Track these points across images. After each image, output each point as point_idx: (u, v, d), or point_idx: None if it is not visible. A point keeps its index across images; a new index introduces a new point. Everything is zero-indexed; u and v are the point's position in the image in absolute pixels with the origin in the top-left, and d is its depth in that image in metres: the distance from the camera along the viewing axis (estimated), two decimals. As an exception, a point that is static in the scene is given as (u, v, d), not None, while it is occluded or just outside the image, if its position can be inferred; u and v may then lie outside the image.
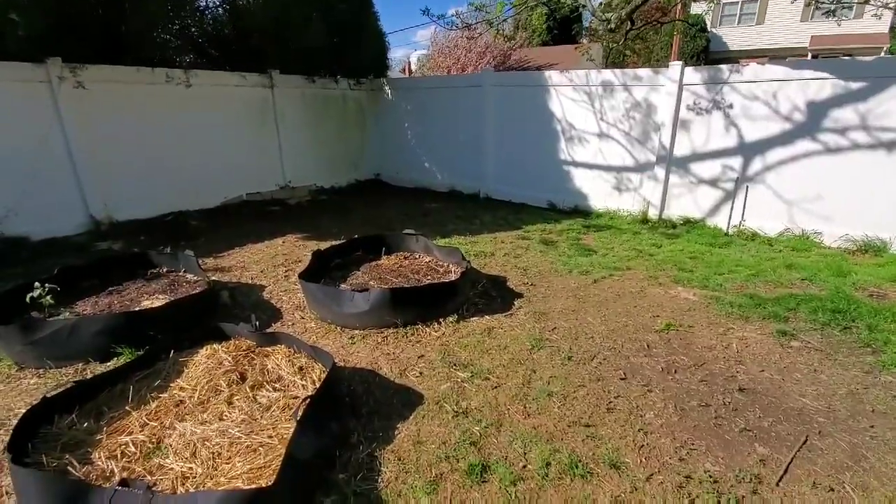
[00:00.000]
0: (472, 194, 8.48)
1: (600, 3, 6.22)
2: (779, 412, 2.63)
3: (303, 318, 3.84)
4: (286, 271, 4.92)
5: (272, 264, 5.13)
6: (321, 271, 4.38)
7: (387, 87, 9.30)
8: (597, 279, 4.58)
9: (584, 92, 6.89)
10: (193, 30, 7.22)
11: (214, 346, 3.04)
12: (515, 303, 4.07)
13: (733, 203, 5.97)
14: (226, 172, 7.42)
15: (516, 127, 7.71)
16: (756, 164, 5.79)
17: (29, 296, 3.44)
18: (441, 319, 3.65)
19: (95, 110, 5.85)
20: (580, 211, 7.26)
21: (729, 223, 6.00)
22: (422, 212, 7.52)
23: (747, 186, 5.87)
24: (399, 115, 9.31)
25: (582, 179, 7.28)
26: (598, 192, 7.16)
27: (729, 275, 4.62)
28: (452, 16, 8.35)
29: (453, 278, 4.01)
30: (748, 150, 5.81)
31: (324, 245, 5.65)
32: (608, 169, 7.00)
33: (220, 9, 7.32)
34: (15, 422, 2.23)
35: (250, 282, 4.64)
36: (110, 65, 5.87)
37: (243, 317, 3.74)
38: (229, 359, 2.86)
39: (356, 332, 3.53)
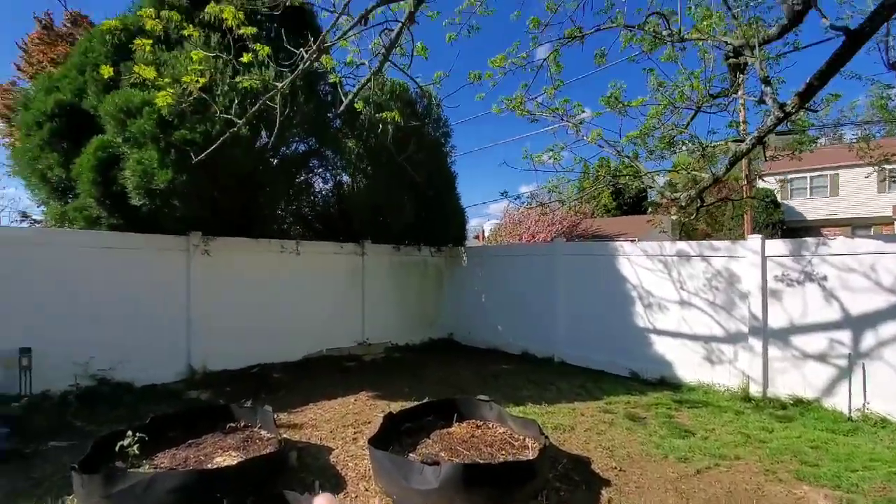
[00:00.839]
0: (546, 358, 8.21)
1: (665, 184, 6.68)
2: None
3: (367, 490, 3.60)
4: (355, 433, 4.81)
5: (342, 424, 5.07)
6: (391, 436, 4.23)
7: (464, 254, 10.04)
8: (700, 469, 3.95)
9: (659, 261, 6.95)
10: (306, 209, 8.63)
11: (277, 516, 2.89)
12: (603, 492, 3.55)
13: (850, 382, 5.20)
14: (312, 328, 7.96)
15: (590, 293, 7.74)
16: (868, 339, 5.18)
17: (119, 444, 3.62)
18: (517, 506, 3.24)
19: (216, 273, 6.82)
20: (668, 382, 6.66)
21: (850, 406, 5.15)
22: (493, 374, 7.31)
23: (863, 363, 5.16)
24: (474, 279, 9.81)
25: (666, 348, 6.86)
26: (687, 362, 6.62)
27: (864, 471, 3.80)
28: (527, 196, 9.31)
29: (530, 455, 3.68)
30: (855, 324, 5.27)
31: (394, 405, 5.58)
32: (694, 338, 6.58)
33: (331, 193, 8.79)
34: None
35: (319, 442, 4.56)
36: (235, 237, 7.02)
37: (308, 483, 3.60)
38: (290, 534, 2.68)
39: (423, 512, 3.21)
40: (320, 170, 8.61)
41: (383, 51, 3.92)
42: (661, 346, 6.91)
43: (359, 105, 4.50)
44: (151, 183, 5.54)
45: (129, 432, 3.68)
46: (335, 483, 3.72)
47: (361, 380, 6.88)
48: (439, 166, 9.15)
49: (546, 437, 3.93)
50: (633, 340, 7.16)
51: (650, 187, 6.59)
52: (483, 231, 28.00)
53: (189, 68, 3.75)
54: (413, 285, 9.68)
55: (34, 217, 14.72)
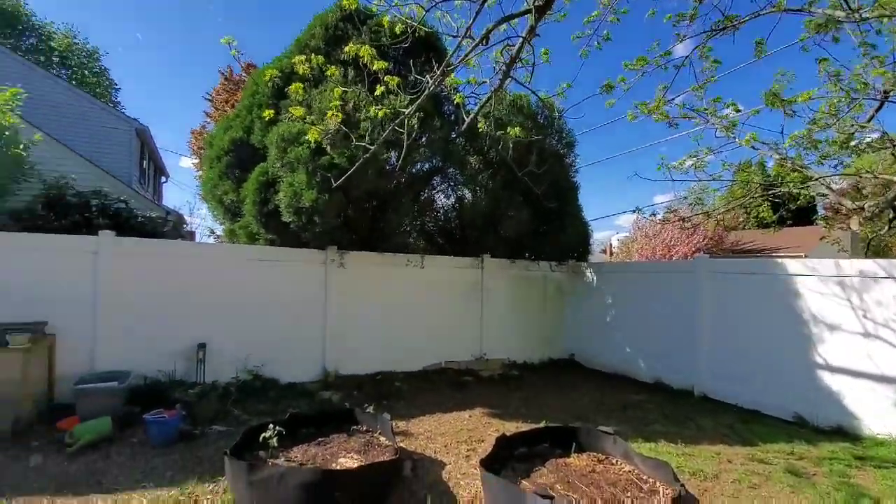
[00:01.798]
0: (684, 390, 7.28)
1: (846, 188, 5.48)
2: None
3: (478, 512, 3.52)
4: (468, 450, 4.78)
5: (456, 440, 5.08)
6: (504, 459, 4.10)
7: (587, 270, 9.48)
8: (896, 555, 3.08)
9: (835, 283, 5.72)
10: (430, 224, 8.99)
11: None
12: (754, 562, 2.97)
13: None
14: (432, 340, 8.21)
15: (741, 318, 6.68)
16: None
17: (262, 436, 4.08)
18: (643, 560, 2.86)
19: (348, 284, 7.44)
20: (846, 432, 5.40)
21: None
22: (621, 403, 6.70)
23: None
24: (599, 298, 9.18)
25: (844, 388, 5.58)
26: (873, 410, 5.30)
27: None
28: (664, 209, 8.45)
29: (660, 504, 3.23)
30: None
31: (509, 425, 5.44)
32: (883, 380, 5.26)
33: (451, 208, 9.04)
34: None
35: (433, 455, 4.62)
36: (365, 251, 7.59)
37: (419, 497, 3.66)
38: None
39: (534, 548, 3.01)
40: (443, 186, 8.92)
41: (504, 67, 3.90)
42: (838, 385, 5.64)
43: (480, 125, 4.53)
44: (299, 202, 6.27)
45: (272, 425, 4.13)
46: (446, 501, 3.71)
47: (477, 396, 6.86)
48: (560, 177, 8.79)
49: (682, 484, 3.43)
50: (799, 376, 5.97)
51: (823, 195, 5.48)
52: (611, 244, 26.26)
53: (331, 104, 4.19)
54: (532, 300, 9.43)
55: (217, 233, 17.88)
